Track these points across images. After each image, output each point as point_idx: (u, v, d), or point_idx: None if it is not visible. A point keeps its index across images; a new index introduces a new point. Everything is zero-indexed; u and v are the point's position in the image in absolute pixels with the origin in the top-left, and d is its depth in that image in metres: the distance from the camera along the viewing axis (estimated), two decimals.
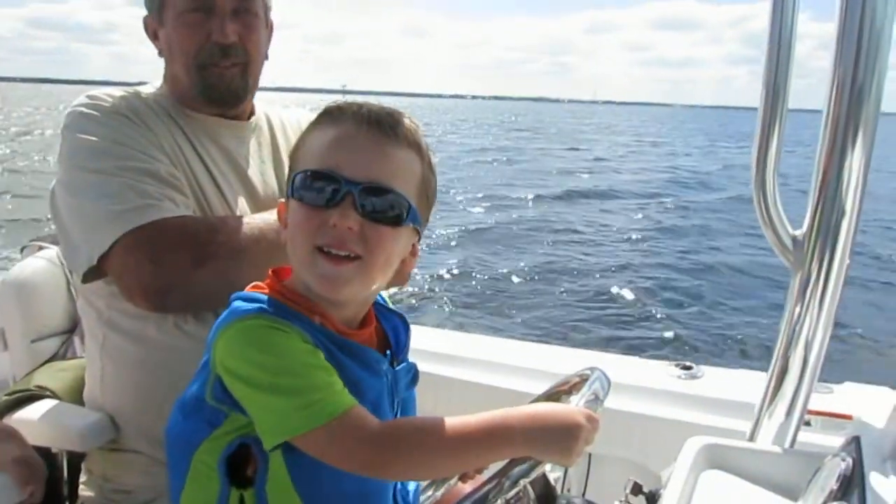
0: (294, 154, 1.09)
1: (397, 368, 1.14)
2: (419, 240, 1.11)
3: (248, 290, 1.06)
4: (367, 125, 1.01)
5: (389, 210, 1.00)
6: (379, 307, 1.20)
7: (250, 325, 0.96)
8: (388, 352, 1.14)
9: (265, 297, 1.02)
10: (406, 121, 1.05)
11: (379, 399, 1.07)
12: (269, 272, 1.09)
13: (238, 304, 1.01)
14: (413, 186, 1.04)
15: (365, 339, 1.11)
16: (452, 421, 0.96)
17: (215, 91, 1.56)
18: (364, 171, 0.99)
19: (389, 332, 1.19)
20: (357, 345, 1.06)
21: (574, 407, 1.02)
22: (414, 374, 1.19)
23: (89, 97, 1.51)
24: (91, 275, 1.41)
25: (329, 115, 1.05)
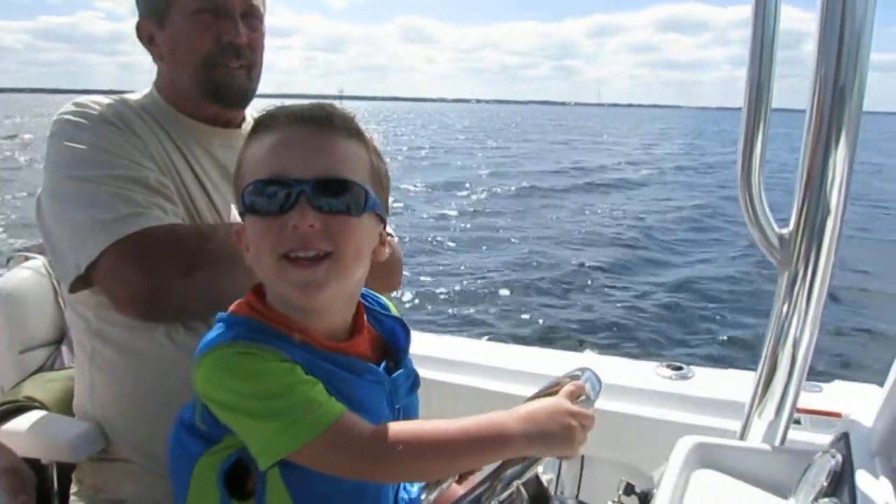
0: (237, 172, 1.06)
1: (395, 375, 1.12)
2: (384, 227, 1.09)
3: (231, 309, 1.05)
4: (302, 123, 1.00)
5: (346, 199, 0.98)
6: (374, 313, 1.18)
7: (225, 354, 0.95)
8: (384, 359, 1.13)
9: (244, 320, 1.01)
10: (338, 111, 1.03)
11: (378, 407, 1.05)
12: (250, 289, 1.07)
13: (214, 331, 0.99)
14: (364, 173, 1.02)
15: (357, 350, 1.09)
16: (446, 425, 0.95)
17: (224, 90, 1.55)
18: (311, 168, 0.96)
19: (387, 337, 1.18)
20: (344, 357, 1.04)
21: (555, 398, 1.03)
22: (414, 380, 1.18)
23: (76, 104, 1.49)
24: (79, 284, 1.39)
25: (262, 125, 1.03)
